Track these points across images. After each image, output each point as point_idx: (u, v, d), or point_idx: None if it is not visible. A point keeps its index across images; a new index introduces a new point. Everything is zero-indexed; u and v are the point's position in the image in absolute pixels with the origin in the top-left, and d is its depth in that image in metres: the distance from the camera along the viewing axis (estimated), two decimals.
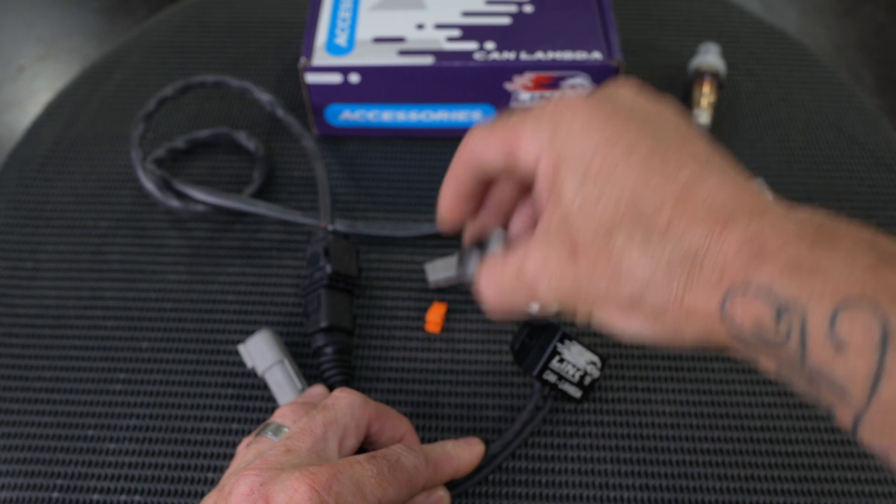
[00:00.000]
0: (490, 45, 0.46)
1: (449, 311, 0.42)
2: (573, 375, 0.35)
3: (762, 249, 0.22)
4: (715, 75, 0.51)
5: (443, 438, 0.37)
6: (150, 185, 0.45)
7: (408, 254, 0.44)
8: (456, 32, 0.47)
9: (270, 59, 0.55)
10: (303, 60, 0.46)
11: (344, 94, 0.47)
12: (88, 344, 0.41)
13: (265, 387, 0.39)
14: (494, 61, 0.45)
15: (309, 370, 0.40)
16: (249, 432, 0.38)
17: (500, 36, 0.47)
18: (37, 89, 1.52)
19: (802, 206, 0.24)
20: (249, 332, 0.40)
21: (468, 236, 0.33)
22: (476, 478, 0.35)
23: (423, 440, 0.36)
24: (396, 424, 0.33)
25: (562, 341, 0.35)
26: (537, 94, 0.47)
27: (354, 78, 0.46)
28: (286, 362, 0.38)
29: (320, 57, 0.46)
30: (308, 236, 0.45)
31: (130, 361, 0.40)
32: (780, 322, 0.21)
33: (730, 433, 0.38)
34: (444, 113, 0.48)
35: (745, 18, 0.59)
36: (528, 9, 0.48)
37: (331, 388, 0.38)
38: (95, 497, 0.36)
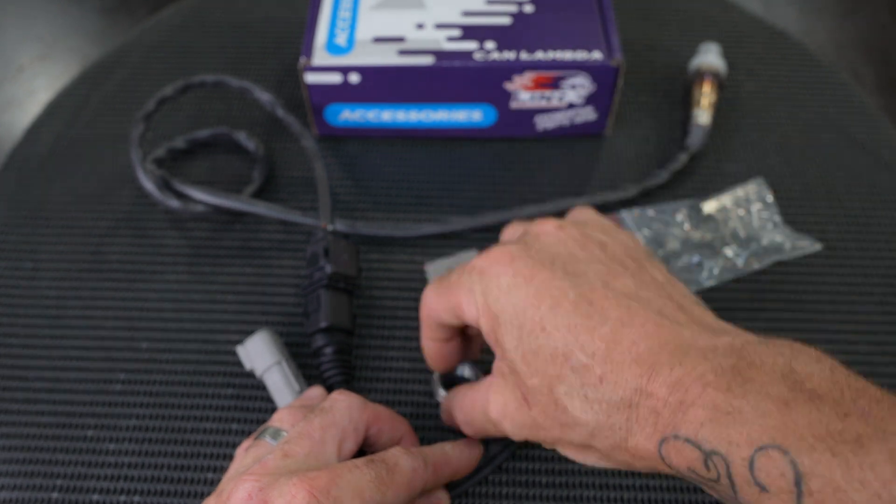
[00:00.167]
0: (490, 44, 0.46)
1: None
2: None
3: (685, 397, 0.23)
4: (715, 75, 0.51)
5: (442, 440, 0.37)
6: (149, 185, 0.45)
7: (408, 254, 0.44)
8: (456, 32, 0.47)
9: (270, 59, 0.55)
10: (303, 60, 0.46)
11: (344, 93, 0.47)
12: (88, 344, 0.41)
13: (265, 387, 0.39)
14: (494, 61, 0.45)
15: (309, 370, 0.40)
16: (249, 433, 0.38)
17: (501, 36, 0.47)
18: (36, 89, 1.52)
19: (731, 324, 0.26)
20: (249, 332, 0.40)
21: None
22: (475, 478, 0.35)
23: (422, 441, 0.36)
24: (395, 426, 0.33)
25: None
26: (537, 93, 0.47)
27: (354, 78, 0.46)
28: (284, 364, 0.38)
29: (320, 57, 0.46)
30: (308, 236, 0.45)
31: (130, 362, 0.40)
32: (709, 467, 0.23)
33: None
34: (444, 113, 0.48)
35: (746, 18, 0.59)
36: (529, 8, 0.48)
37: (330, 388, 0.38)
38: (95, 497, 0.36)
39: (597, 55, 0.45)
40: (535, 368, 0.27)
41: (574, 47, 0.46)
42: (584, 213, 0.33)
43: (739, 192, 0.46)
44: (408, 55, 0.46)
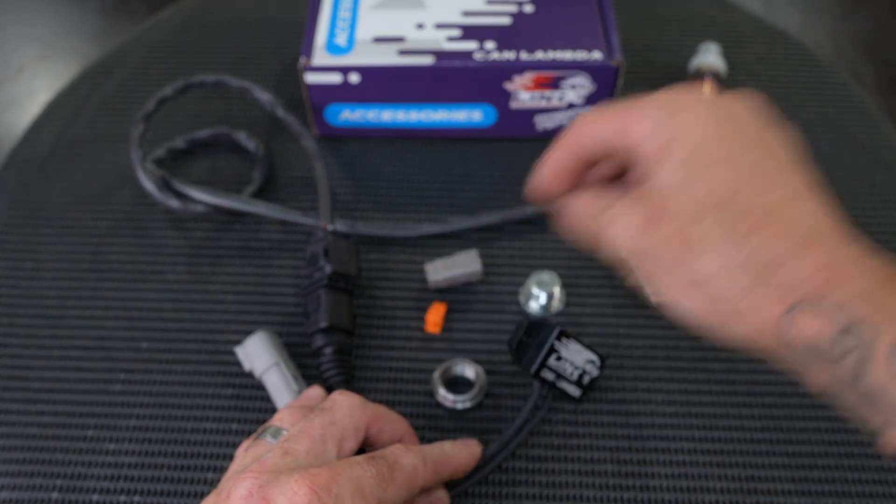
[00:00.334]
0: (490, 44, 0.46)
1: (449, 311, 0.42)
2: (571, 374, 0.35)
3: (838, 275, 0.23)
4: (715, 75, 0.51)
5: (441, 439, 0.37)
6: (149, 185, 0.45)
7: (408, 254, 0.44)
8: (456, 32, 0.47)
9: (270, 59, 0.55)
10: (303, 60, 0.46)
11: (344, 93, 0.47)
12: (88, 344, 0.41)
13: (265, 387, 0.39)
14: (494, 61, 0.45)
15: (309, 370, 0.40)
16: (249, 433, 0.38)
17: (500, 36, 0.47)
18: (36, 89, 1.52)
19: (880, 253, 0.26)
20: (249, 332, 0.40)
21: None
22: (475, 477, 0.35)
23: (422, 441, 0.36)
24: (395, 425, 0.33)
25: (559, 339, 0.35)
26: (537, 93, 0.47)
27: (354, 78, 0.46)
28: (282, 364, 0.38)
29: (320, 57, 0.46)
30: (308, 236, 0.45)
31: (130, 361, 0.40)
32: (842, 340, 0.22)
33: (730, 433, 0.38)
34: (443, 113, 0.48)
35: (746, 18, 0.59)
36: (529, 8, 0.48)
37: (331, 388, 0.38)
38: (95, 497, 0.36)
39: (597, 55, 0.45)
40: (689, 193, 0.26)
41: (574, 47, 0.46)
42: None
43: None
44: (408, 55, 0.46)
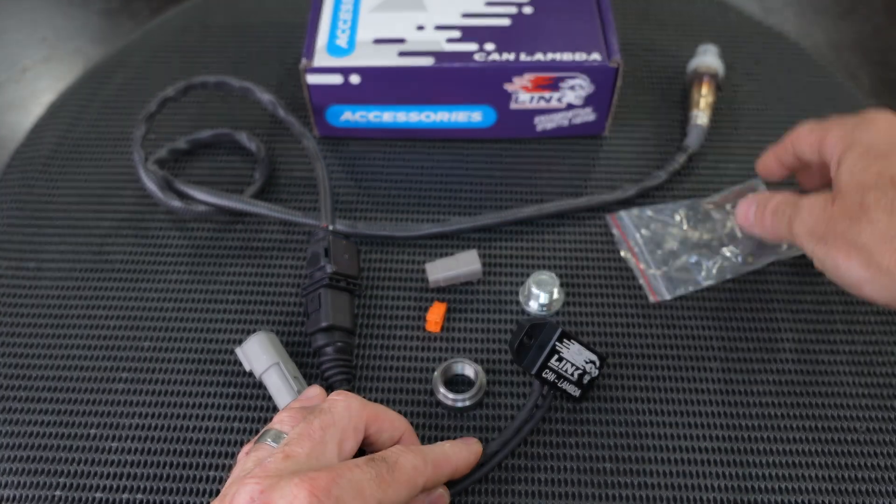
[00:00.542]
0: (490, 46, 0.46)
1: (449, 311, 0.42)
2: (572, 374, 0.36)
3: None
4: (713, 76, 0.51)
5: (441, 438, 0.38)
6: (151, 186, 0.45)
7: (408, 254, 0.45)
8: (456, 33, 0.47)
9: (272, 60, 0.56)
10: (304, 61, 0.46)
11: (345, 94, 0.47)
12: (91, 343, 0.41)
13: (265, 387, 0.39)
14: (494, 62, 0.45)
15: (310, 370, 0.40)
16: (251, 431, 0.38)
17: (500, 37, 0.47)
18: (40, 90, 1.52)
19: None
20: (251, 331, 0.40)
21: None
22: (475, 476, 0.35)
23: (422, 441, 0.37)
24: (395, 425, 0.33)
25: (560, 340, 0.35)
26: (537, 94, 0.47)
27: (355, 79, 0.46)
28: (282, 364, 0.38)
29: (321, 58, 0.46)
30: (309, 236, 0.45)
31: (132, 361, 0.41)
32: None
33: (730, 433, 0.38)
34: (444, 114, 0.49)
35: (744, 20, 0.59)
36: (528, 10, 0.49)
37: (331, 387, 0.38)
38: (98, 496, 0.36)
39: (596, 56, 0.45)
40: (857, 179, 0.33)
41: (573, 48, 0.46)
42: None
43: (737, 192, 0.46)
44: (408, 56, 0.46)
